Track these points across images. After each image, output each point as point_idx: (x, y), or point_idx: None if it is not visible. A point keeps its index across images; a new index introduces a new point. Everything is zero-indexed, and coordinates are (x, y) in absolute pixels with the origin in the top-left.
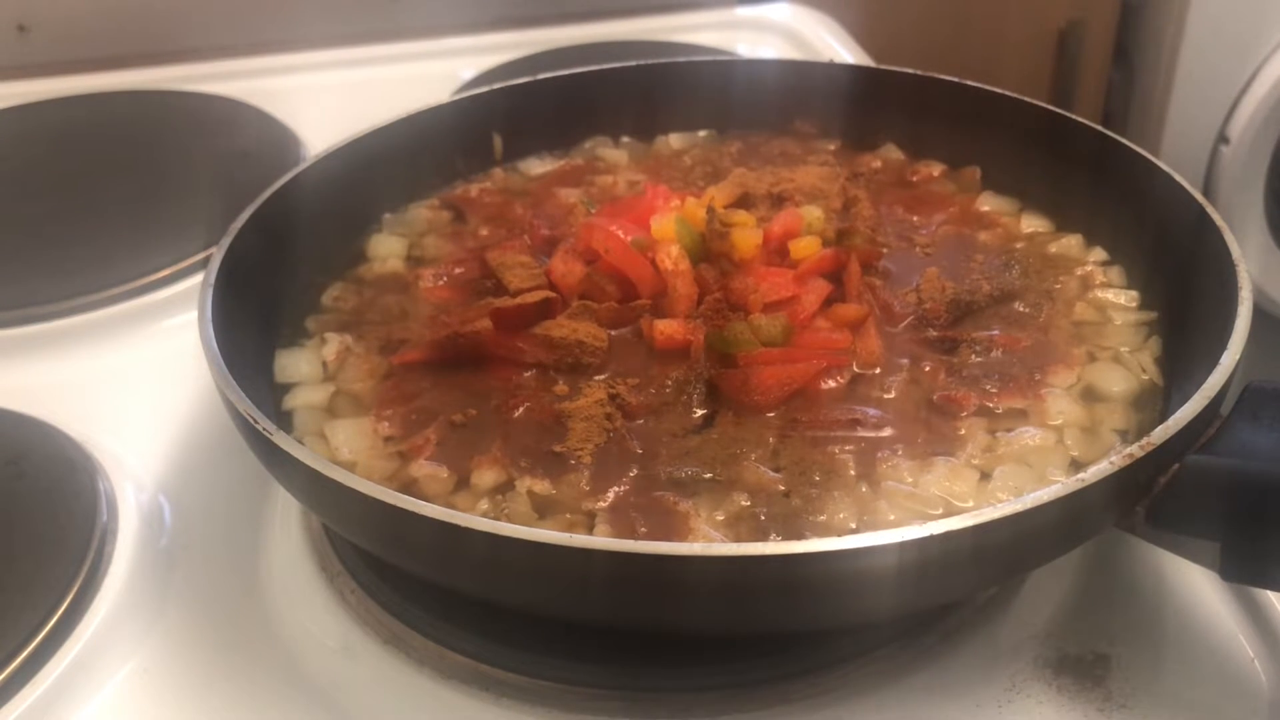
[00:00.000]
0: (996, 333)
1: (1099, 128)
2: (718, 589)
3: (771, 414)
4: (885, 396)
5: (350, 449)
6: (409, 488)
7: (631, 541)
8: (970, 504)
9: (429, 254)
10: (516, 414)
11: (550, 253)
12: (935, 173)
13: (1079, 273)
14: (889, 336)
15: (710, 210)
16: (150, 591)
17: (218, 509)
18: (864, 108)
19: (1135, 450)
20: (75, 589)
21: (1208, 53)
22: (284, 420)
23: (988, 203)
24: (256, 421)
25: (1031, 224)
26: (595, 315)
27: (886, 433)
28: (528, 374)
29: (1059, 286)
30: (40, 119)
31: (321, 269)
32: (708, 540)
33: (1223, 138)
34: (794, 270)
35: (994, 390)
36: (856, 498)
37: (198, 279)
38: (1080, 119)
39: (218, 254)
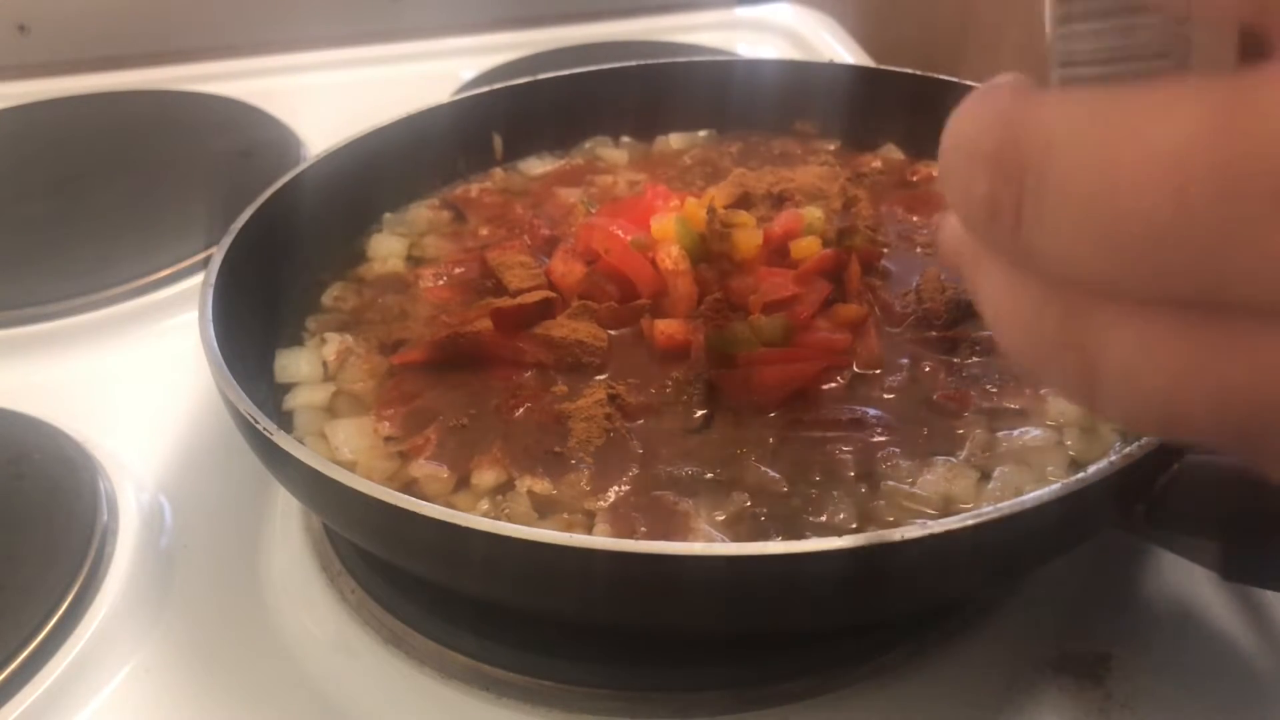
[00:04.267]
0: None
1: None
2: (718, 589)
3: (771, 414)
4: (885, 396)
5: (350, 449)
6: (409, 488)
7: (631, 541)
8: (970, 504)
9: (429, 254)
10: (517, 414)
11: (550, 253)
12: (935, 173)
13: None
14: (889, 336)
15: (710, 210)
16: (150, 591)
17: (218, 509)
18: (864, 108)
19: (1135, 449)
20: (75, 589)
21: None
22: (284, 420)
23: None
24: (257, 421)
25: None
26: (595, 315)
27: (886, 433)
28: (528, 374)
29: None
30: (40, 119)
31: (322, 269)
32: (708, 540)
33: None
34: (794, 270)
35: (994, 390)
36: (856, 498)
37: (198, 279)
38: None
39: (218, 254)
